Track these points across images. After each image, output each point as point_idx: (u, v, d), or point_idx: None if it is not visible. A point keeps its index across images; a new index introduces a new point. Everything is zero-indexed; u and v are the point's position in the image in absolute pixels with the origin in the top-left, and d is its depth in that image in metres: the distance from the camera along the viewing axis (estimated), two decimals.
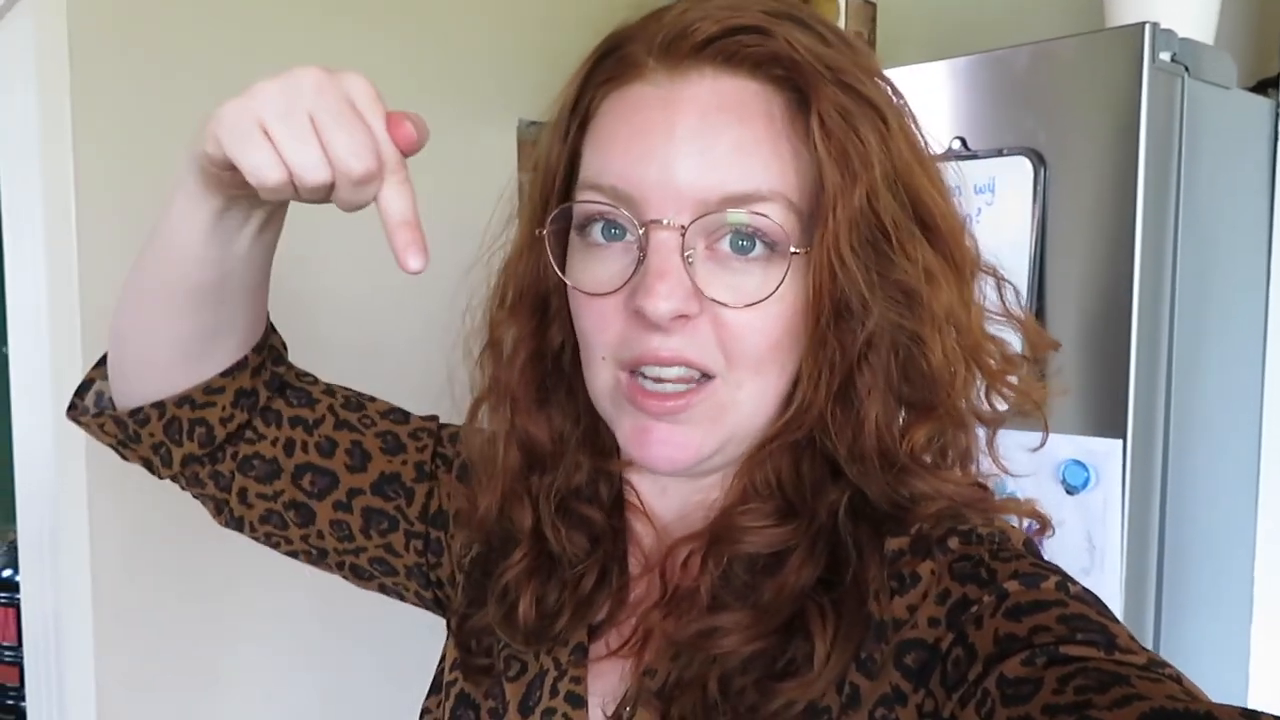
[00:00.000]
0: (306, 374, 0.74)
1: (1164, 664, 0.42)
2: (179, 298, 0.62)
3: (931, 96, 1.19)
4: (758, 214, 0.51)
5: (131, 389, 0.68)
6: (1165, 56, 1.04)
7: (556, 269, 0.56)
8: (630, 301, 0.52)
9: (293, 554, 0.73)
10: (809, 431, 0.54)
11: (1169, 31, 1.05)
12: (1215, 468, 1.21)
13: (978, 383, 0.56)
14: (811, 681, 0.50)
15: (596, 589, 0.60)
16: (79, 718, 1.32)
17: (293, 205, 0.55)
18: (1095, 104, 1.06)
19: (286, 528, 0.71)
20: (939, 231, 0.53)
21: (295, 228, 0.63)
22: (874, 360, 0.52)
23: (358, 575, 0.73)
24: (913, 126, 0.55)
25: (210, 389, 0.67)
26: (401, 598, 0.73)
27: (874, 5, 1.52)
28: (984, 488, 0.56)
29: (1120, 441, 1.04)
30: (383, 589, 0.73)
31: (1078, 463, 1.07)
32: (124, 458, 0.72)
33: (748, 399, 0.54)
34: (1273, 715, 0.36)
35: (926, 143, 0.55)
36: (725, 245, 0.52)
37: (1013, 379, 0.57)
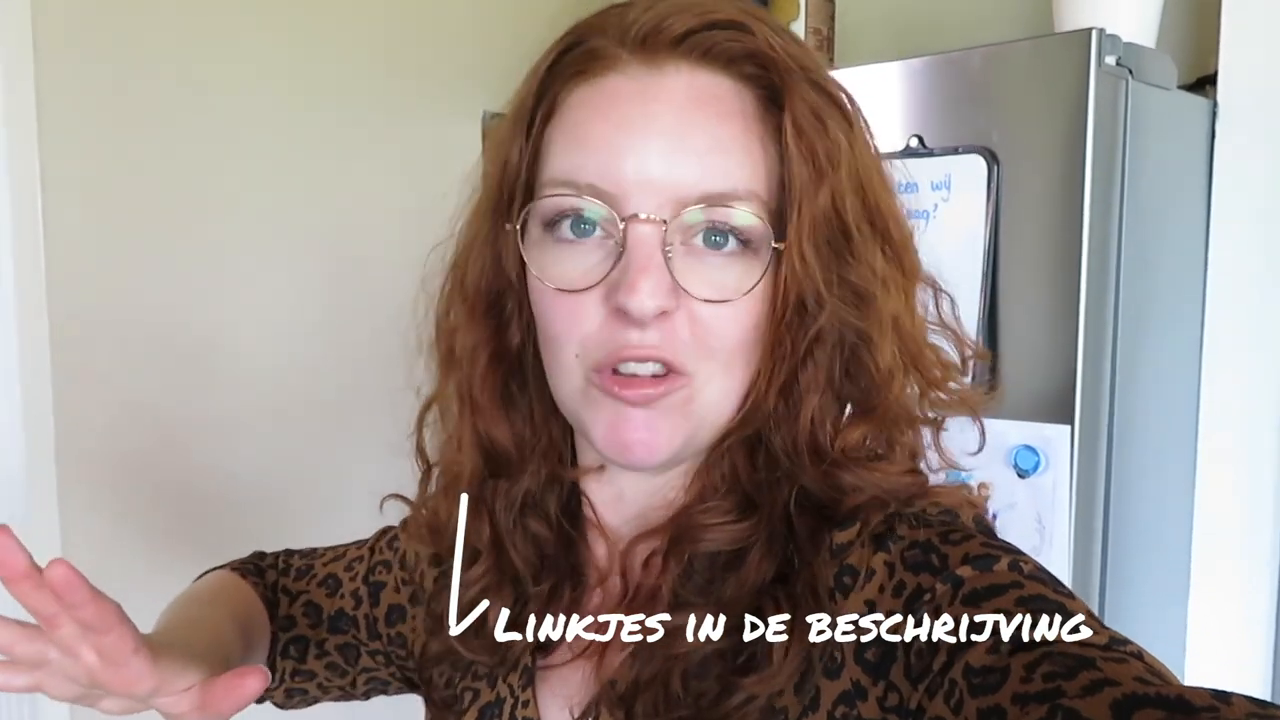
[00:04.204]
0: (285, 564, 0.80)
1: (1125, 641, 0.42)
2: None
3: (890, 95, 1.22)
4: (737, 210, 0.50)
5: None
6: (1110, 60, 1.09)
7: (531, 266, 0.54)
8: (610, 298, 0.51)
9: (338, 699, 0.78)
10: (759, 426, 0.54)
11: (1114, 36, 1.09)
12: (1156, 452, 1.26)
13: (915, 388, 0.56)
14: (771, 676, 0.49)
15: (547, 605, 0.58)
16: (51, 718, 1.31)
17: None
18: (1045, 105, 1.11)
19: (307, 693, 0.77)
20: (891, 237, 0.54)
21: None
22: (819, 356, 0.52)
23: (379, 693, 0.78)
24: (868, 134, 0.55)
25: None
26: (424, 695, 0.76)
27: (833, 3, 1.55)
28: (917, 472, 0.56)
29: (1068, 427, 1.09)
30: (403, 692, 0.77)
31: (1029, 448, 1.12)
32: None
33: (714, 396, 0.53)
34: (1242, 695, 0.36)
35: (878, 150, 0.56)
36: (700, 241, 0.51)
37: (951, 385, 0.57)
